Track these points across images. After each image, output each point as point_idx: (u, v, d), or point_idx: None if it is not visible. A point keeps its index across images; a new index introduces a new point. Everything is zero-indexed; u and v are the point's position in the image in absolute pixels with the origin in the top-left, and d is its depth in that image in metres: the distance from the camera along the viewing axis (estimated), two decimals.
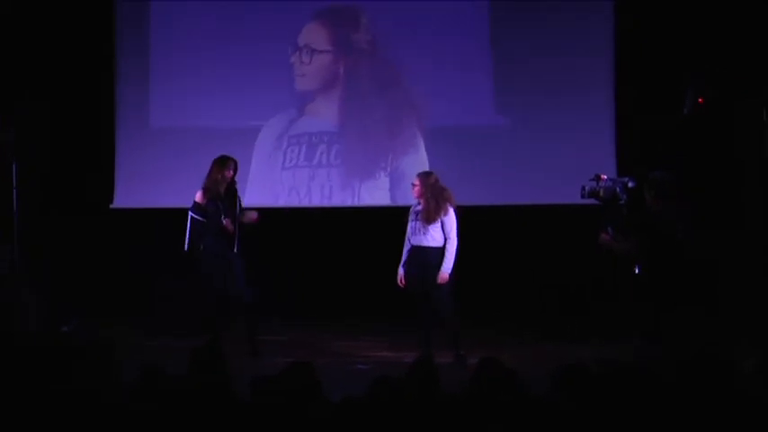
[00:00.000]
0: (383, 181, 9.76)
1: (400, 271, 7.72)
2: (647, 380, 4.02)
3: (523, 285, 9.34)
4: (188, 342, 5.24)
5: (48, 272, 9.22)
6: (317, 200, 9.87)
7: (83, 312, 8.31)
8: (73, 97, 10.01)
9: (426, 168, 8.81)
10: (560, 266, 9.18)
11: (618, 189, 6.93)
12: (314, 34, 9.86)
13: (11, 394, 4.11)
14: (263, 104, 9.88)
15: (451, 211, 7.61)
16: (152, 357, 6.98)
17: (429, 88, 9.62)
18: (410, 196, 7.93)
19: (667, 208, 6.63)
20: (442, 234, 7.58)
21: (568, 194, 7.63)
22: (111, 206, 10.01)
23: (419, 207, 7.68)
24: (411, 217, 7.72)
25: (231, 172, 8.06)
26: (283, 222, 9.42)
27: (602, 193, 6.98)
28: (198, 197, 8.03)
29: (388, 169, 9.75)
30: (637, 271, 6.64)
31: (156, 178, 9.91)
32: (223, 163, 8.06)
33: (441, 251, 7.56)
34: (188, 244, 8.03)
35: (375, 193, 9.76)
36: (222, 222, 7.93)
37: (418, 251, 7.63)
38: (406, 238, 7.72)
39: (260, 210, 8.27)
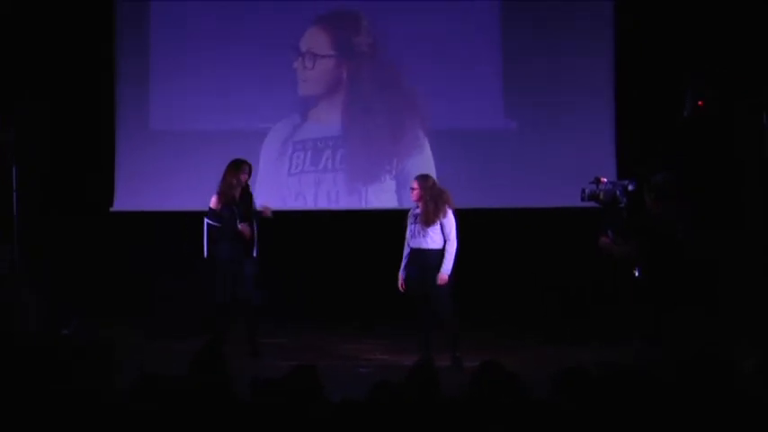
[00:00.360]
0: (389, 184, 9.75)
1: (400, 275, 7.72)
2: (648, 382, 4.02)
3: (524, 288, 9.34)
4: (188, 342, 5.24)
5: (48, 272, 9.20)
6: (324, 204, 9.85)
7: (83, 313, 8.29)
8: (73, 97, 9.99)
9: (432, 170, 8.81)
10: (560, 269, 9.19)
11: (618, 192, 6.90)
12: (315, 39, 9.85)
13: (11, 394, 4.10)
14: (264, 106, 9.86)
15: (450, 213, 7.60)
16: (152, 358, 7.01)
17: (433, 90, 9.62)
18: None
19: (667, 208, 6.63)
20: (442, 236, 7.58)
21: (568, 195, 7.63)
22: (112, 209, 9.98)
23: (418, 210, 7.68)
24: (410, 220, 7.72)
25: (246, 175, 7.95)
26: (292, 226, 9.36)
27: (602, 196, 6.96)
28: (212, 203, 7.91)
29: (394, 172, 9.74)
30: (637, 274, 6.63)
31: (156, 178, 9.89)
32: (237, 166, 7.94)
33: (440, 253, 7.56)
34: (207, 252, 7.95)
35: (382, 196, 9.75)
36: (238, 227, 7.87)
37: (418, 254, 7.63)
38: (406, 242, 7.72)
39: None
